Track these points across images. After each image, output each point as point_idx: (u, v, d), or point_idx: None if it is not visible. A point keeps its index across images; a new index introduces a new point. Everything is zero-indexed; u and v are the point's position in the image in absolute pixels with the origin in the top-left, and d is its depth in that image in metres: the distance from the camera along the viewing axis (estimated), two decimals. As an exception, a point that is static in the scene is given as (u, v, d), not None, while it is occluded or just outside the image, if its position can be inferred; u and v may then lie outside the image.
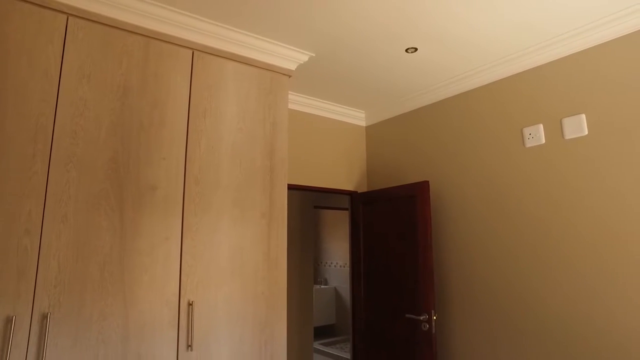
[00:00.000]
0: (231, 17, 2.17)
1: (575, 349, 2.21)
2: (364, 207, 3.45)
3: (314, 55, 2.61)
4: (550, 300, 2.35)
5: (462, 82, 2.94)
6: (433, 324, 2.74)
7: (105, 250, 1.79)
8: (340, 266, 6.86)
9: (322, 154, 3.44)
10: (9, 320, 1.55)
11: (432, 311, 2.75)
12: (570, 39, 2.35)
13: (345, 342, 6.09)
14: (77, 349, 1.67)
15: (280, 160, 2.41)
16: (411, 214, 3.00)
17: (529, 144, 2.53)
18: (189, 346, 1.93)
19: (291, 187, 3.21)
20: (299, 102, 3.32)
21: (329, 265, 7.07)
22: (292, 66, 2.57)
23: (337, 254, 6.95)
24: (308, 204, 4.41)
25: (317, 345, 5.86)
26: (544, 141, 2.46)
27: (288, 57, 2.52)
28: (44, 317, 1.62)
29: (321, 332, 6.56)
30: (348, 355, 5.25)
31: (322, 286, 6.77)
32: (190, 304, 1.97)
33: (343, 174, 3.55)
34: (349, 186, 3.57)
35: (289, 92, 3.24)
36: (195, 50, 2.19)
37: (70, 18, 1.85)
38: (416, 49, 2.54)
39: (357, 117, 3.72)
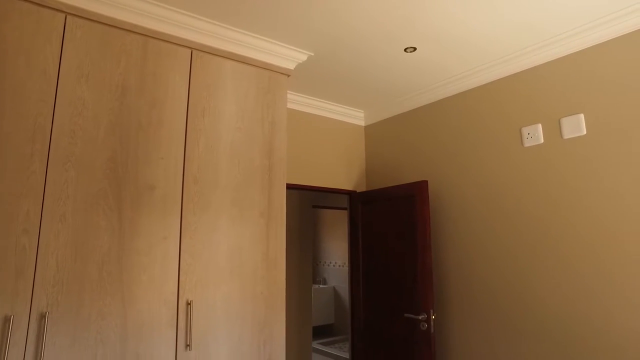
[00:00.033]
0: (230, 16, 2.17)
1: (574, 348, 2.22)
2: (363, 207, 3.45)
3: (312, 54, 2.61)
4: (548, 300, 2.35)
5: (460, 81, 2.94)
6: (432, 323, 2.74)
7: (104, 249, 1.79)
8: (339, 266, 6.87)
9: (321, 153, 3.44)
10: (7, 320, 1.55)
11: (431, 311, 2.76)
12: (568, 38, 2.35)
13: (344, 341, 6.09)
14: (75, 348, 1.67)
15: (279, 159, 2.41)
16: (410, 214, 3.00)
17: (528, 143, 2.53)
18: (188, 346, 1.93)
19: (290, 187, 3.21)
20: (297, 101, 3.32)
21: (328, 265, 7.07)
22: (291, 65, 2.57)
23: (336, 254, 6.95)
24: (307, 204, 4.41)
25: (316, 344, 5.86)
26: (542, 141, 2.47)
27: (287, 56, 2.52)
28: (42, 316, 1.62)
29: (320, 332, 6.56)
30: (347, 355, 5.25)
31: (321, 286, 6.77)
32: (188, 304, 1.97)
33: (342, 173, 3.55)
34: (347, 186, 3.57)
35: (288, 91, 3.24)
36: (194, 50, 2.19)
37: (68, 17, 1.85)
38: (415, 49, 2.54)
39: (356, 117, 3.72)
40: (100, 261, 1.78)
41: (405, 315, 2.90)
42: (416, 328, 2.84)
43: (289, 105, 3.30)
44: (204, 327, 2.00)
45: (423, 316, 2.78)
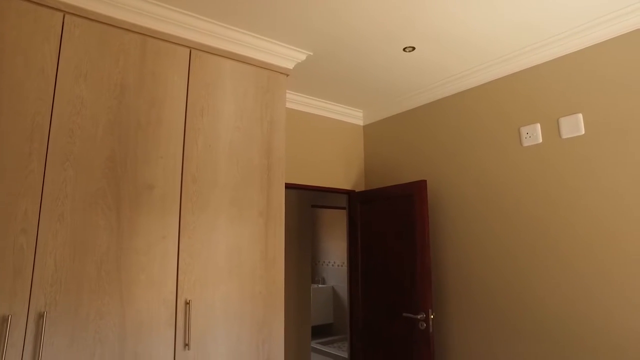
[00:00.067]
0: (228, 15, 2.17)
1: (572, 348, 2.22)
2: (362, 206, 3.45)
3: (311, 54, 2.60)
4: (547, 300, 2.35)
5: (459, 81, 2.94)
6: (430, 323, 2.74)
7: (102, 249, 1.79)
8: (338, 265, 6.87)
9: (320, 153, 3.44)
10: (5, 319, 1.55)
11: (430, 310, 2.76)
12: (567, 38, 2.36)
13: (342, 341, 6.09)
14: (73, 348, 1.67)
15: (278, 159, 2.41)
16: (409, 213, 3.00)
17: (526, 143, 2.53)
18: (186, 345, 1.93)
19: (289, 186, 3.21)
20: (296, 101, 3.32)
21: (327, 264, 7.07)
22: (290, 65, 2.56)
23: (335, 253, 6.95)
24: (306, 203, 4.41)
25: (314, 344, 5.86)
26: (541, 140, 2.47)
27: (285, 55, 2.52)
28: (41, 316, 1.61)
29: (319, 331, 6.56)
30: (346, 354, 5.25)
31: (320, 285, 6.78)
32: (187, 303, 1.97)
33: (341, 173, 3.55)
34: (346, 185, 3.57)
35: (287, 91, 3.23)
36: (193, 49, 2.19)
37: (66, 16, 1.84)
38: (414, 48, 2.54)
39: (355, 117, 3.72)
40: (99, 260, 1.77)
41: (404, 314, 2.90)
42: (415, 327, 2.84)
43: (288, 105, 3.30)
44: (203, 326, 2.00)
45: (422, 316, 2.78)
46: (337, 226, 6.97)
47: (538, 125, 2.48)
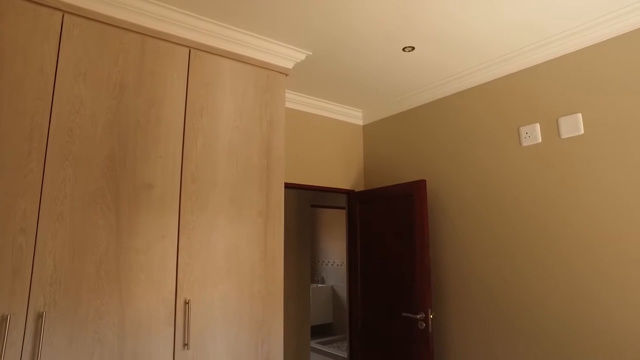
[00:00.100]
0: (228, 15, 2.17)
1: (571, 347, 2.22)
2: (361, 206, 3.45)
3: (311, 54, 2.60)
4: (546, 299, 2.36)
5: (458, 81, 2.94)
6: (430, 322, 2.74)
7: (102, 248, 1.79)
8: (338, 265, 6.87)
9: (319, 152, 3.44)
10: (4, 319, 1.54)
11: (429, 310, 2.76)
12: (566, 38, 2.36)
13: (342, 340, 6.10)
14: (72, 348, 1.66)
15: (277, 158, 2.41)
16: (408, 213, 3.00)
17: (526, 143, 2.53)
18: (185, 345, 1.93)
19: (288, 186, 3.21)
20: (296, 100, 3.32)
21: (326, 264, 7.08)
22: (289, 64, 2.56)
23: (334, 253, 6.95)
24: (305, 203, 4.41)
25: (314, 344, 5.86)
26: (540, 140, 2.47)
27: (285, 55, 2.51)
28: (40, 316, 1.61)
29: (318, 331, 6.56)
30: (345, 354, 5.26)
31: (319, 285, 6.78)
32: (186, 303, 1.96)
33: (340, 172, 3.55)
34: (346, 185, 3.57)
35: (286, 90, 3.23)
36: (192, 49, 2.19)
37: (65, 15, 1.84)
38: (413, 48, 2.54)
39: (355, 116, 3.72)
40: (98, 260, 1.77)
41: (403, 314, 2.90)
42: (414, 327, 2.84)
43: (287, 105, 3.30)
44: (202, 326, 2.00)
45: (421, 315, 2.79)
46: (337, 226, 6.97)
47: (537, 125, 2.49)
